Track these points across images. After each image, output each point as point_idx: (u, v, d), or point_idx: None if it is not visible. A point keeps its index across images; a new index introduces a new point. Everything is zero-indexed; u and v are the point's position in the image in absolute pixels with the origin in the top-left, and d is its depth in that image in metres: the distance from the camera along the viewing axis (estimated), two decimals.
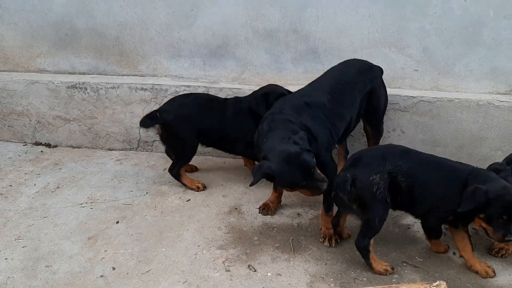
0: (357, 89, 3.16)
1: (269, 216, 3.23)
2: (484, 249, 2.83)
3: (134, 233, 3.02)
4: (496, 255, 2.79)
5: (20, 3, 4.13)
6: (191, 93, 3.75)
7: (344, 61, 3.35)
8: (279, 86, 3.49)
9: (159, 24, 3.97)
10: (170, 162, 3.60)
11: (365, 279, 2.60)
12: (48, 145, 4.37)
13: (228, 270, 2.67)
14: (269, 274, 2.65)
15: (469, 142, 3.63)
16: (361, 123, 3.56)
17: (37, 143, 4.40)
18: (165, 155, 3.78)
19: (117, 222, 3.13)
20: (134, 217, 3.19)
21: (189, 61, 4.04)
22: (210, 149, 3.91)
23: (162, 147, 4.15)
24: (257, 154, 2.94)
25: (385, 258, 2.76)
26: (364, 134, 3.64)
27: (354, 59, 3.41)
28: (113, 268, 2.68)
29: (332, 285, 2.55)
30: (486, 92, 3.65)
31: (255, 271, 2.67)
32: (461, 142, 3.64)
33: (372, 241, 2.61)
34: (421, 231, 2.92)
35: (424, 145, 3.69)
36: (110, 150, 4.30)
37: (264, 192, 3.52)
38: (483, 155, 3.61)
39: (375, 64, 3.45)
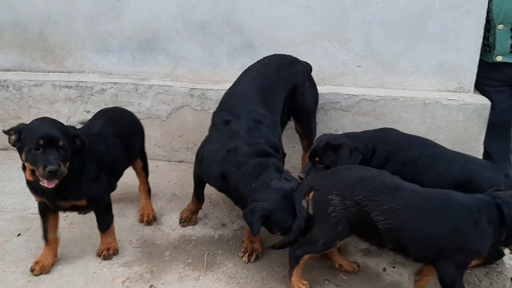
0: (280, 89, 2.86)
1: (190, 227, 2.94)
2: None
3: (34, 248, 2.71)
4: None
5: None
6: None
7: (262, 59, 3.05)
8: None
9: (84, 16, 3.66)
10: None
11: None
12: None
13: None
14: None
15: None
16: None
17: None
18: None
19: (19, 235, 2.83)
20: (38, 230, 2.82)
21: (117, 56, 3.74)
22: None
23: None
24: (238, 200, 2.58)
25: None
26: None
27: (273, 55, 3.11)
28: None
29: None
30: (435, 89, 3.38)
31: None
32: None
33: (307, 256, 2.28)
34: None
35: None
36: None
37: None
38: None
39: (316, 59, 3.19)
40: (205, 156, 2.68)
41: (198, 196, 2.93)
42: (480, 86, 3.42)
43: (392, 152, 2.63)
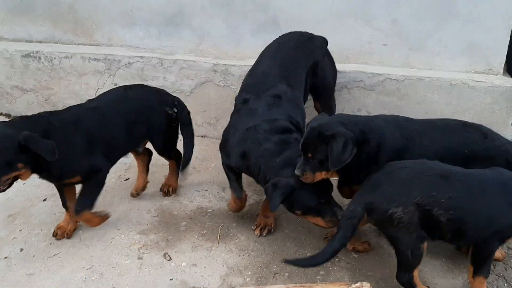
0: (300, 66, 2.84)
1: (207, 200, 3.01)
2: None
3: (57, 213, 2.85)
4: None
5: None
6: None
7: (279, 37, 3.02)
8: None
9: None
10: None
11: (286, 274, 2.37)
12: (8, 115, 4.25)
13: (141, 258, 2.47)
14: (183, 264, 2.44)
15: None
16: None
17: None
18: None
19: (44, 200, 2.98)
20: None
21: (144, 30, 3.79)
22: None
23: None
24: (260, 177, 2.50)
25: (318, 250, 2.50)
26: None
27: (290, 32, 3.08)
28: (21, 250, 2.53)
29: (247, 279, 2.33)
30: (463, 70, 3.28)
31: (169, 259, 2.46)
32: None
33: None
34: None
35: None
36: None
37: (210, 174, 3.33)
38: None
39: (341, 36, 3.16)
40: (226, 137, 2.68)
41: (236, 189, 2.73)
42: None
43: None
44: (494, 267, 2.41)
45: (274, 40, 3.02)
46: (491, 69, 3.21)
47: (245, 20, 3.54)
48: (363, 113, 3.40)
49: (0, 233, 2.67)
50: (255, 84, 2.75)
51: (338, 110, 3.36)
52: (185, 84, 3.70)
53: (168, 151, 2.96)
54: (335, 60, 3.26)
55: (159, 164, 3.17)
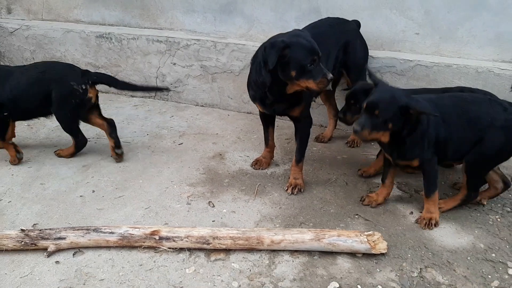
0: (330, 42, 3.20)
1: (247, 164, 3.44)
2: None
3: (122, 166, 3.39)
4: None
5: None
6: None
7: (319, 20, 3.40)
8: None
9: None
10: (182, 110, 3.96)
11: (311, 224, 2.75)
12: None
13: (189, 204, 2.95)
14: (224, 210, 2.89)
15: None
16: None
17: None
18: (176, 104, 4.16)
19: (112, 156, 3.53)
20: (127, 153, 3.56)
21: (201, 16, 4.27)
22: (218, 101, 4.23)
23: (176, 97, 4.52)
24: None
25: (341, 209, 2.88)
26: None
27: (326, 17, 3.46)
28: (93, 191, 3.07)
29: (277, 225, 2.74)
30: (490, 59, 3.50)
31: (213, 206, 2.92)
32: None
33: None
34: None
35: None
36: (132, 97, 4.72)
37: (253, 143, 3.74)
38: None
39: (377, 25, 3.54)
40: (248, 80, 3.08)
41: (265, 139, 3.33)
42: None
43: None
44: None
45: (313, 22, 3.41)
46: None
47: (291, 9, 3.93)
48: None
49: (77, 178, 3.23)
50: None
51: None
52: (235, 65, 4.16)
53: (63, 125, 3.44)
54: (370, 46, 3.63)
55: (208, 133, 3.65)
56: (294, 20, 3.95)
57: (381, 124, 2.51)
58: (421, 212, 2.85)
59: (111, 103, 4.55)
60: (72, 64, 3.57)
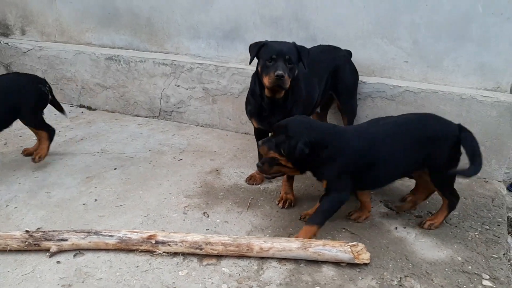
0: (321, 66, 3.46)
1: (242, 179, 3.62)
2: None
3: (124, 178, 3.58)
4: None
5: None
6: None
7: (312, 46, 3.66)
8: None
9: (182, 8, 4.51)
10: (183, 129, 4.18)
11: None
12: (89, 108, 5.13)
13: (185, 213, 3.12)
14: (218, 220, 3.06)
15: None
16: None
17: (81, 106, 5.19)
18: (179, 124, 4.40)
19: (115, 169, 3.72)
20: (130, 167, 3.76)
21: (205, 42, 4.54)
22: (218, 122, 4.44)
23: (178, 117, 4.75)
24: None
25: (329, 222, 3.01)
26: None
27: (320, 44, 3.72)
28: (95, 200, 3.26)
29: (267, 235, 2.90)
30: (474, 87, 3.71)
31: (207, 217, 3.09)
32: None
33: None
34: (373, 206, 3.21)
35: None
36: (137, 116, 4.96)
37: (248, 161, 3.93)
38: None
39: (368, 53, 3.81)
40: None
41: (259, 157, 3.50)
42: None
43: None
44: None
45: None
46: (499, 87, 3.63)
47: (289, 36, 4.18)
48: None
49: (81, 187, 3.42)
50: None
51: (362, 116, 3.92)
52: (234, 88, 4.39)
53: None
54: (362, 73, 3.88)
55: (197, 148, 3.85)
56: None
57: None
58: (405, 228, 3.02)
59: (116, 122, 4.78)
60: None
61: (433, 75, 3.82)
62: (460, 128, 2.86)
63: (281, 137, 2.74)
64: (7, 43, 5.30)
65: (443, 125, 2.89)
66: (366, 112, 3.94)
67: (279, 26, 4.21)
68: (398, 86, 3.81)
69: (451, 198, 2.97)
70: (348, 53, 3.76)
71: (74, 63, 4.97)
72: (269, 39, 4.24)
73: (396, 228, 3.03)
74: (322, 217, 2.80)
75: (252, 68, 4.26)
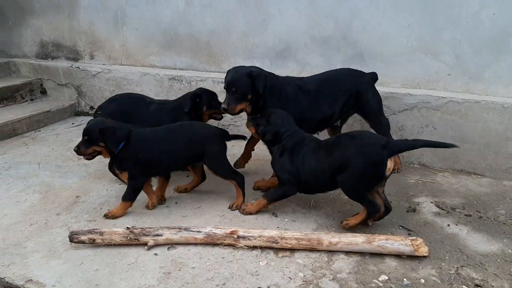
0: (338, 89, 3.86)
1: None
2: None
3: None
4: None
5: (140, 13, 5.48)
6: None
7: (339, 68, 4.10)
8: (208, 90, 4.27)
9: (239, 32, 4.98)
10: (239, 141, 4.60)
11: (360, 232, 3.26)
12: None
13: (256, 214, 3.52)
14: (286, 219, 3.44)
15: (496, 141, 4.01)
16: None
17: None
18: None
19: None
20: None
21: (260, 62, 4.98)
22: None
23: (235, 130, 5.17)
24: None
25: (386, 221, 3.37)
26: None
27: (348, 68, 4.13)
28: (176, 203, 3.70)
29: (331, 231, 3.26)
30: None
31: (276, 216, 3.48)
32: (487, 141, 4.03)
33: None
34: (425, 207, 3.53)
35: (454, 141, 4.08)
36: None
37: None
38: (509, 154, 3.98)
39: (413, 67, 4.17)
40: None
41: None
42: None
43: None
44: None
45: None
46: None
47: (338, 54, 4.59)
48: (430, 129, 4.25)
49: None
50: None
51: (409, 125, 4.28)
52: None
53: None
54: (407, 85, 4.26)
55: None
56: (340, 63, 4.60)
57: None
58: (456, 225, 3.33)
59: None
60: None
61: (475, 86, 4.14)
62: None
63: (263, 120, 3.49)
64: (78, 67, 5.90)
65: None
66: (413, 122, 4.28)
67: (328, 45, 4.62)
68: (442, 97, 4.14)
69: (367, 206, 3.20)
70: (373, 77, 4.08)
71: (140, 83, 5.50)
72: (319, 57, 4.71)
73: (449, 225, 3.35)
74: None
75: None
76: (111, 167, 3.53)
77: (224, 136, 3.70)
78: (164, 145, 3.51)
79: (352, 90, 3.93)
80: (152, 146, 3.48)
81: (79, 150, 3.41)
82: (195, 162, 3.68)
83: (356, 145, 3.11)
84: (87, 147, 3.39)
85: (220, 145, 3.62)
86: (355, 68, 4.12)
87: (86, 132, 3.38)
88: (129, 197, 3.50)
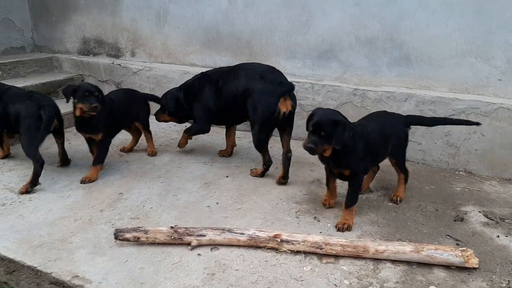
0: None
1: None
2: None
3: (237, 185, 4.01)
4: None
5: (183, 11, 5.50)
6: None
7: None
8: None
9: (281, 31, 4.94)
10: (278, 143, 4.55)
11: (407, 240, 3.17)
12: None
13: (298, 217, 3.47)
14: (328, 225, 3.38)
15: None
16: None
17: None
18: (274, 137, 4.76)
19: (227, 176, 4.16)
20: (239, 175, 4.18)
21: (301, 62, 4.93)
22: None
23: (275, 132, 5.13)
24: None
25: (433, 230, 3.28)
26: None
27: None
28: (217, 203, 3.69)
29: (376, 239, 3.19)
30: None
31: (318, 221, 3.43)
32: None
33: None
34: (473, 216, 3.41)
35: (502, 148, 4.01)
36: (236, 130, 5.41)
37: None
38: None
39: (462, 71, 4.05)
40: None
41: None
42: None
43: None
44: None
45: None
46: None
47: (383, 56, 4.49)
48: (478, 135, 4.11)
49: (202, 192, 3.88)
50: None
51: (455, 131, 4.15)
52: (329, 104, 4.74)
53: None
54: (456, 90, 4.13)
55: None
56: (386, 66, 4.50)
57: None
58: (506, 236, 3.20)
59: (217, 135, 5.26)
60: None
61: None
62: None
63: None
64: (119, 64, 5.97)
65: None
66: (460, 128, 4.14)
67: (374, 46, 4.53)
68: (492, 103, 3.99)
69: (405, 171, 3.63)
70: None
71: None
72: (363, 58, 4.62)
73: (498, 236, 3.23)
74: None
75: (347, 86, 4.62)
76: None
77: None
78: None
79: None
80: None
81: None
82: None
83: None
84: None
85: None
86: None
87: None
88: None
